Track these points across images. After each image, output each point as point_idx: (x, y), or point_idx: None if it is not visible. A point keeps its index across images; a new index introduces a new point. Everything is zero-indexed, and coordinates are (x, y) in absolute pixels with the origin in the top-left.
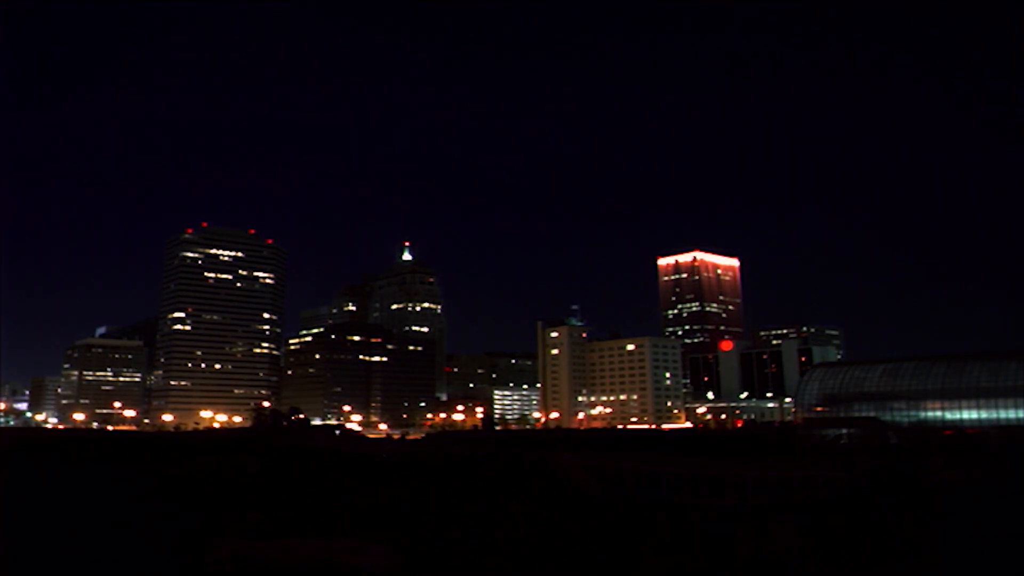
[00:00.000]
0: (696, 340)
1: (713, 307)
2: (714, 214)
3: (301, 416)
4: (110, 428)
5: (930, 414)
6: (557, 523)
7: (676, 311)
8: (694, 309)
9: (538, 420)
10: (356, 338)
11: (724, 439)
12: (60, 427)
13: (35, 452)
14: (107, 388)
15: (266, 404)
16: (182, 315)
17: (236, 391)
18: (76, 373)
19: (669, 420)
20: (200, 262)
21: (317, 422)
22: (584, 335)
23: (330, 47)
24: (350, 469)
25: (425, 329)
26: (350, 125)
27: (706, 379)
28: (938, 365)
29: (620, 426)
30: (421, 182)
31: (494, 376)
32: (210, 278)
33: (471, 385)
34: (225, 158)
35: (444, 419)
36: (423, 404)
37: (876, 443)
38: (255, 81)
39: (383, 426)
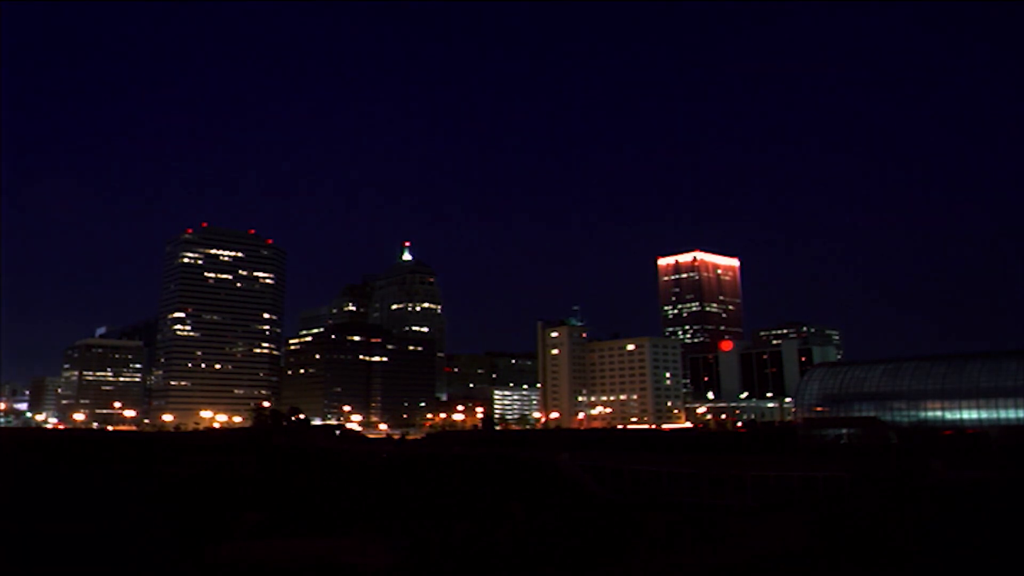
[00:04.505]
0: (696, 340)
1: (713, 307)
2: (714, 214)
3: (301, 416)
4: (110, 428)
5: (930, 414)
6: (557, 523)
7: (676, 311)
8: (694, 309)
9: (538, 420)
10: (356, 338)
11: (724, 439)
12: (60, 427)
13: (35, 452)
14: (107, 388)
15: (266, 404)
16: (182, 315)
17: (236, 391)
18: (76, 373)
19: (669, 420)
20: (200, 262)
21: (317, 422)
22: (584, 335)
23: (330, 47)
24: (350, 469)
25: (425, 329)
26: (350, 125)
27: (706, 379)
28: (938, 365)
29: (620, 426)
30: (421, 182)
31: (494, 376)
32: (210, 278)
33: (471, 385)
34: (225, 158)
35: (444, 419)
36: (423, 404)
37: (876, 443)
38: (255, 81)
39: (383, 426)
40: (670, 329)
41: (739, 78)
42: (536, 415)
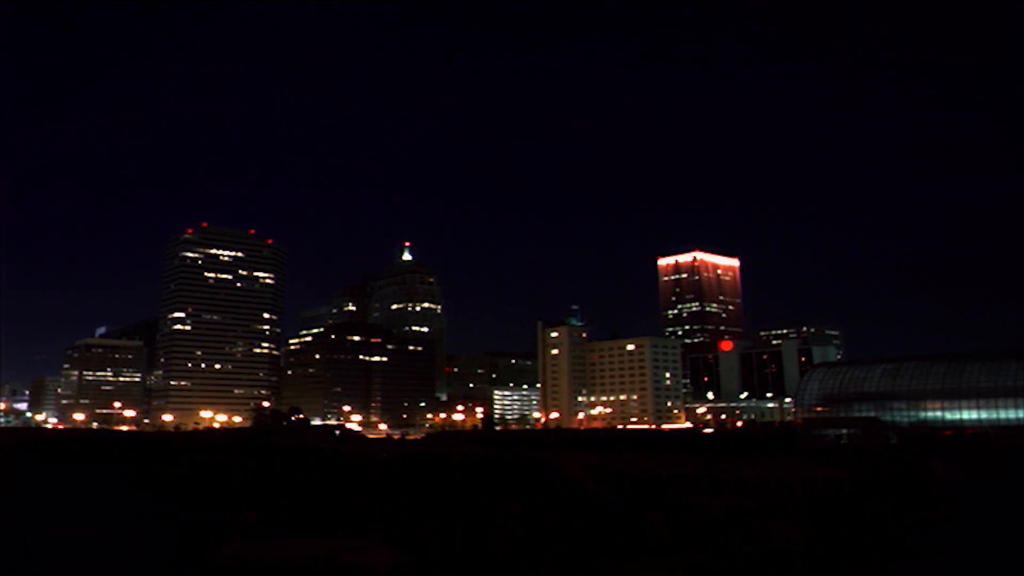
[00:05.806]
0: (696, 340)
1: (713, 307)
2: (714, 214)
3: (301, 416)
4: (110, 428)
5: (930, 414)
6: (557, 523)
7: (676, 311)
8: (694, 309)
9: (538, 420)
10: (356, 338)
11: (724, 439)
12: (60, 427)
13: (35, 452)
14: (107, 388)
15: (266, 404)
16: (182, 315)
17: (236, 391)
18: (76, 373)
19: (669, 420)
20: (200, 262)
21: (317, 422)
22: (584, 335)
23: (330, 47)
24: (350, 469)
25: (425, 329)
26: (350, 125)
27: (706, 379)
28: (938, 365)
29: (620, 426)
30: (421, 182)
31: (494, 376)
32: (210, 278)
33: (471, 385)
34: (225, 158)
35: (444, 419)
36: (423, 404)
37: (876, 443)
38: (255, 81)
39: (383, 426)
40: (670, 329)
41: (739, 77)
42: (536, 415)
